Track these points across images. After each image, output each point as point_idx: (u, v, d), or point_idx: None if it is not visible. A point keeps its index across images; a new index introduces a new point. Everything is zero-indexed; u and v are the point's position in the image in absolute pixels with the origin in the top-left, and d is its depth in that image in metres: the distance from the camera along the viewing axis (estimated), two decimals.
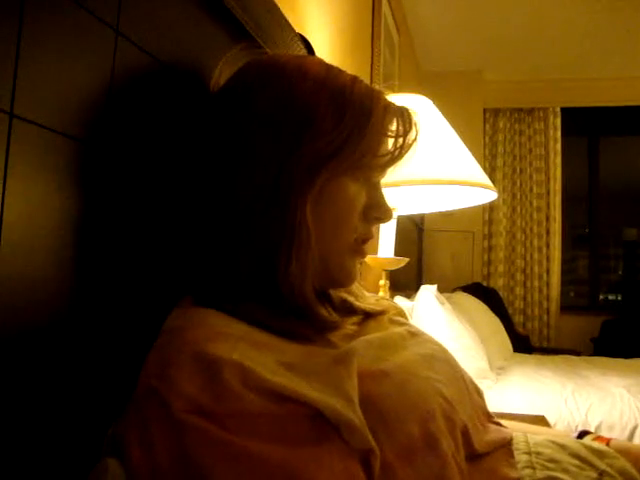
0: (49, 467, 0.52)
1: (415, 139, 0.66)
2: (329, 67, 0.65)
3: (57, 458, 0.53)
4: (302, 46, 1.17)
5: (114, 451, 0.48)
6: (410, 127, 0.65)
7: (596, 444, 0.70)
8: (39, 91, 0.50)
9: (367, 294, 0.80)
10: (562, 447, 0.66)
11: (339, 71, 0.65)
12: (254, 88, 0.63)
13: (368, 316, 0.72)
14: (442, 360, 0.67)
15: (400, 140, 0.65)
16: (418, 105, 1.46)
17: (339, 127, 0.59)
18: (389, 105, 0.65)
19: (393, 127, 0.65)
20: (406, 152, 0.66)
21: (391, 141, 0.65)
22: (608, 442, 0.75)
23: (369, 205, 0.66)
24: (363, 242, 0.67)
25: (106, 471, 0.46)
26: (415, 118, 0.66)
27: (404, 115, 0.65)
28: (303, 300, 0.59)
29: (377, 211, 0.66)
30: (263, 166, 0.59)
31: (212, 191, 0.63)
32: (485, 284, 4.38)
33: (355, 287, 0.77)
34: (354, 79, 0.64)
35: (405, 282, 3.20)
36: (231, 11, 0.81)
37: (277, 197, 0.59)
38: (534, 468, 0.62)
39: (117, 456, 0.47)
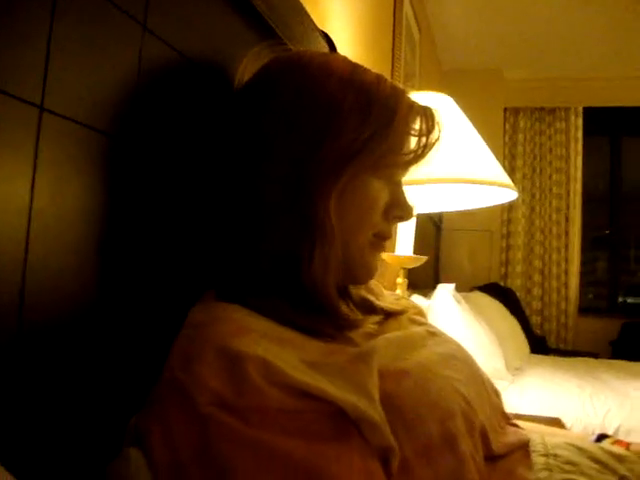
0: (71, 454, 0.53)
1: (438, 138, 0.66)
2: (355, 65, 0.65)
3: (81, 445, 0.54)
4: (324, 43, 1.17)
5: (136, 441, 0.48)
6: (433, 126, 0.65)
7: (615, 448, 0.70)
8: (68, 85, 0.51)
9: (386, 293, 0.80)
10: (580, 450, 0.66)
11: (364, 69, 0.65)
12: (279, 84, 0.63)
13: (388, 315, 0.73)
14: (461, 360, 0.67)
15: (423, 139, 0.65)
16: (440, 103, 1.45)
17: (364, 125, 0.59)
18: (413, 104, 0.65)
19: (417, 126, 0.65)
20: (429, 151, 0.66)
21: (414, 140, 0.65)
22: (628, 446, 0.74)
23: (391, 203, 0.66)
24: (381, 239, 0.67)
25: (128, 461, 0.47)
26: (438, 117, 0.66)
27: (427, 114, 0.65)
28: (325, 297, 0.59)
29: (399, 209, 0.67)
30: (288, 162, 0.60)
31: (236, 186, 0.64)
32: (502, 284, 4.35)
33: (374, 285, 0.77)
34: (379, 77, 0.64)
35: (422, 281, 3.18)
36: (256, 8, 0.82)
37: (301, 193, 0.59)
38: (551, 470, 0.62)
39: (139, 446, 0.47)
